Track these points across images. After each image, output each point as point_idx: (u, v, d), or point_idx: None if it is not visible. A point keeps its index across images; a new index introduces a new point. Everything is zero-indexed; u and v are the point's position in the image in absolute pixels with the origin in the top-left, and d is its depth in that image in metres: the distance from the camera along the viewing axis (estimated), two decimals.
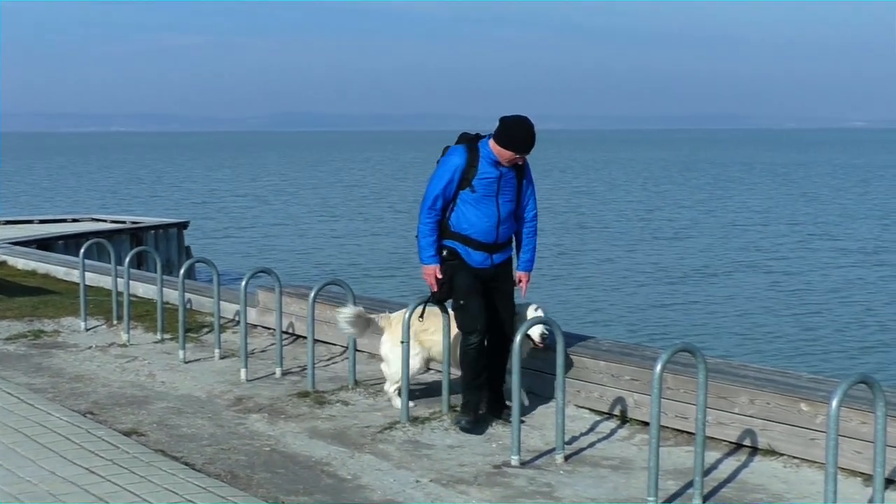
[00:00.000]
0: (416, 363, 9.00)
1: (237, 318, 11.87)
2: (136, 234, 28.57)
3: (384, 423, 8.73)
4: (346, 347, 10.42)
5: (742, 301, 26.62)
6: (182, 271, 11.74)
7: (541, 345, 8.54)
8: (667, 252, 39.01)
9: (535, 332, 8.49)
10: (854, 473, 7.03)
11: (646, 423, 6.74)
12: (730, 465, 7.51)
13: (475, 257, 8.39)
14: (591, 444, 8.11)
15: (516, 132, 8.21)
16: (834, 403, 5.86)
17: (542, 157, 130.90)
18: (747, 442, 7.80)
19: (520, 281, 8.71)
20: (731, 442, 7.86)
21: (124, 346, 12.11)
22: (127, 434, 8.35)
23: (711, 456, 7.56)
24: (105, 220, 31.53)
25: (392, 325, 9.19)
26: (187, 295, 11.93)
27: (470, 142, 8.34)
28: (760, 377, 8.11)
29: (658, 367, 6.60)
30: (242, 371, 10.41)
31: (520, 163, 8.29)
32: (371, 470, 7.57)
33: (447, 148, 8.51)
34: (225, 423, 8.88)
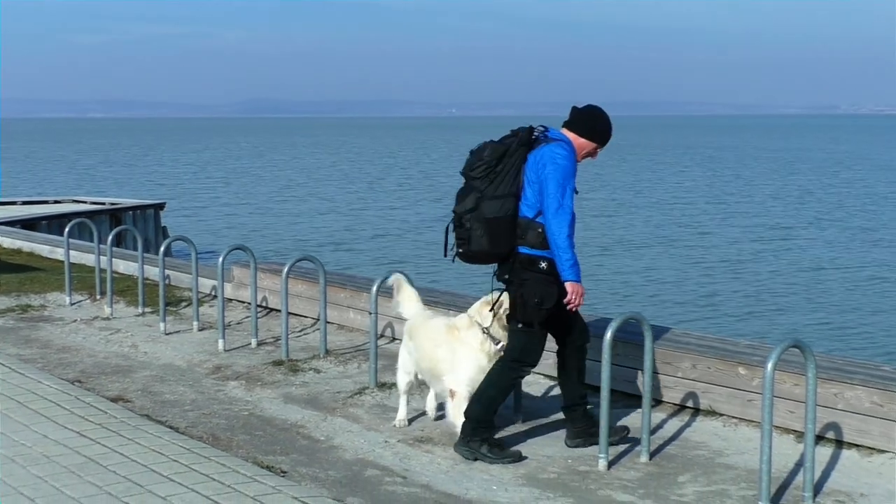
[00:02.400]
0: (402, 376, 7.88)
1: (214, 293, 11.93)
2: (115, 215, 28.48)
3: (354, 389, 8.85)
4: (317, 319, 10.51)
5: (680, 272, 26.89)
6: (163, 248, 11.93)
7: None
8: (612, 227, 39.26)
9: None
10: (787, 431, 7.21)
11: (597, 388, 6.88)
12: (674, 424, 7.68)
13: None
14: (547, 407, 8.24)
15: (603, 122, 7.14)
16: (769, 367, 6.02)
17: None
18: (690, 403, 7.97)
19: None
20: (675, 404, 8.03)
21: (108, 319, 12.15)
22: (114, 400, 8.42)
23: (657, 417, 7.72)
24: (85, 202, 31.41)
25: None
26: (166, 271, 11.98)
27: (530, 137, 6.95)
28: (702, 344, 8.28)
29: (608, 335, 6.75)
30: (220, 342, 10.48)
31: (594, 157, 7.23)
32: (343, 432, 7.69)
33: (520, 139, 6.92)
34: (205, 390, 8.97)
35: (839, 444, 7.05)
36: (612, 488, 6.44)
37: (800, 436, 6.86)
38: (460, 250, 7.02)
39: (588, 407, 7.31)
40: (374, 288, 9.02)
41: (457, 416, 7.16)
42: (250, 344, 10.60)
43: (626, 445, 7.18)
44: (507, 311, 7.08)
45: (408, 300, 7.93)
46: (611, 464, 6.81)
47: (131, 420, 7.70)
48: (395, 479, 6.64)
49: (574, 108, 7.19)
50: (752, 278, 26.87)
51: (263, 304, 12.07)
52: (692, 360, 7.93)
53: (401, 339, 8.15)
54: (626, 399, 8.15)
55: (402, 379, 7.84)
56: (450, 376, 7.26)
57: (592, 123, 7.08)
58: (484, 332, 7.17)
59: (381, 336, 10.25)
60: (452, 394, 7.26)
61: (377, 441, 7.45)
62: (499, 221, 6.80)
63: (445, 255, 7.21)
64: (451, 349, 7.26)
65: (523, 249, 6.86)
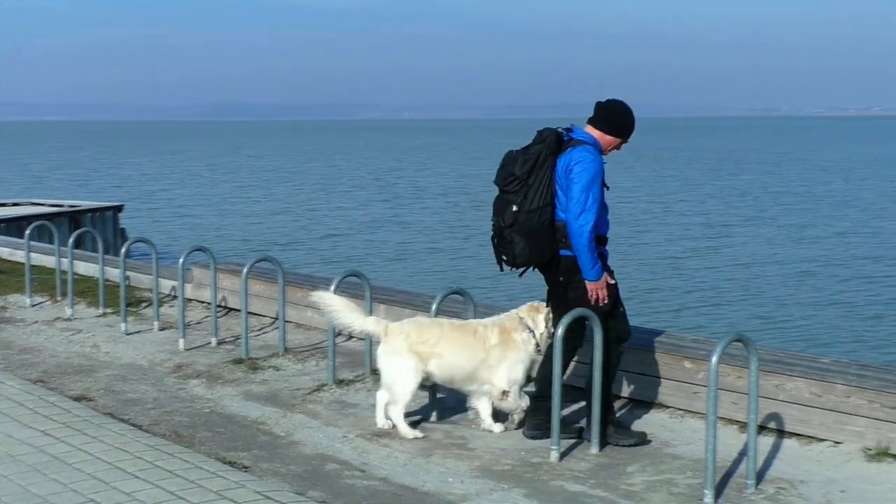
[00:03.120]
0: (409, 379, 7.41)
1: (174, 293, 11.90)
2: (74, 217, 28.20)
3: (313, 386, 8.87)
4: (276, 318, 10.51)
5: (621, 269, 26.95)
6: (123, 250, 11.91)
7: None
8: None
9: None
10: (731, 422, 7.33)
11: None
12: (624, 417, 7.76)
13: (606, 253, 7.18)
14: None
15: (628, 117, 7.16)
16: (713, 360, 6.12)
17: (454, 144, 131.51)
18: (638, 396, 8.07)
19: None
20: (624, 397, 8.12)
21: (69, 320, 12.07)
22: (77, 399, 8.39)
23: None
24: (44, 204, 31.09)
25: (388, 334, 7.54)
26: (126, 272, 11.93)
27: (562, 137, 7.00)
28: (649, 339, 8.37)
29: (560, 331, 6.83)
30: (181, 341, 10.46)
31: (618, 150, 7.28)
32: (302, 427, 7.72)
33: (548, 146, 6.92)
34: (167, 389, 8.95)
35: (780, 433, 7.18)
36: (563, 479, 6.52)
37: (743, 426, 6.97)
38: (504, 258, 7.13)
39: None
40: (332, 287, 9.04)
41: (515, 409, 7.42)
42: (210, 343, 10.58)
43: (578, 438, 7.25)
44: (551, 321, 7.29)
45: (352, 311, 7.73)
46: (562, 455, 6.88)
47: (94, 419, 7.68)
48: (354, 472, 6.68)
49: (598, 105, 7.18)
50: (693, 274, 27.11)
51: (223, 303, 12.04)
52: (640, 355, 8.02)
53: (359, 337, 8.06)
54: (578, 394, 8.21)
55: (406, 397, 7.49)
56: (499, 377, 7.37)
57: (617, 119, 7.12)
58: (532, 335, 7.40)
59: (339, 334, 10.25)
60: (505, 394, 7.38)
61: (336, 436, 7.49)
62: (538, 233, 6.93)
63: (502, 269, 7.30)
64: (501, 352, 7.37)
65: (566, 252, 6.97)
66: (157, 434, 7.44)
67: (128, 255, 12.16)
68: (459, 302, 8.68)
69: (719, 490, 6.21)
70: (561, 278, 7.08)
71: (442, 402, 8.00)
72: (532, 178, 6.88)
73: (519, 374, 7.37)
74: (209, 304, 11.22)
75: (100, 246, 12.72)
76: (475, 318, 8.10)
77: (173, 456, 6.71)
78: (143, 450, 6.84)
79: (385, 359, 7.45)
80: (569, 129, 7.05)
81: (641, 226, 39.41)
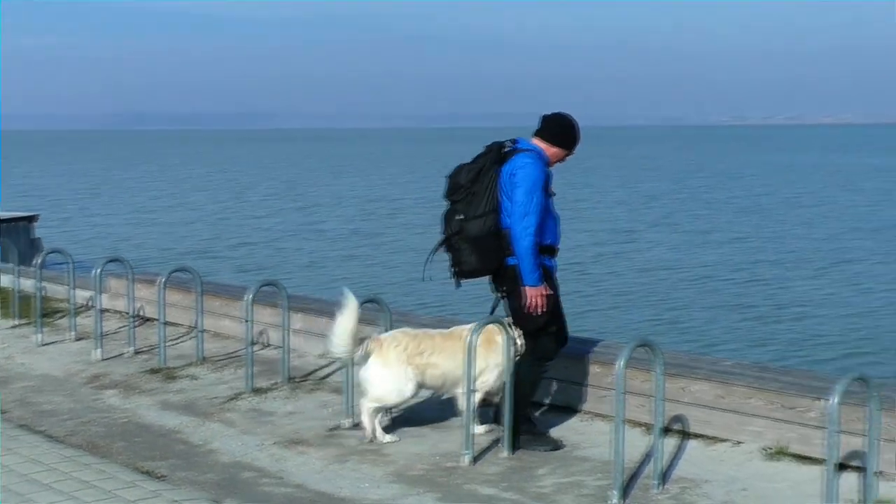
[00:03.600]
0: (407, 389, 7.40)
1: (90, 304, 11.72)
2: None
3: (229, 395, 8.82)
4: (193, 327, 10.42)
5: None
6: (39, 260, 11.75)
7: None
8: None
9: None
10: (638, 424, 7.40)
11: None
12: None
13: (554, 265, 7.18)
14: (415, 409, 8.34)
15: (572, 129, 7.20)
16: (620, 364, 6.22)
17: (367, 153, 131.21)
18: (548, 400, 8.15)
19: None
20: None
21: None
22: None
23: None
24: None
25: (382, 346, 7.45)
26: (42, 283, 11.73)
27: (505, 148, 7.04)
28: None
29: (469, 338, 6.89)
30: (97, 351, 10.32)
31: (562, 162, 7.28)
32: (219, 436, 7.67)
33: (492, 156, 6.99)
34: (82, 399, 8.84)
35: (685, 434, 7.30)
36: (476, 482, 6.58)
37: (650, 428, 7.08)
38: (455, 270, 7.09)
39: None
40: (249, 296, 9.01)
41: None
42: (127, 353, 10.46)
43: (490, 442, 7.32)
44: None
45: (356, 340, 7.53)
46: (475, 459, 6.93)
47: (9, 431, 7.55)
48: (271, 479, 6.66)
49: (543, 117, 7.24)
50: (599, 279, 27.44)
51: (140, 313, 11.89)
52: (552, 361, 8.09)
53: (276, 346, 8.02)
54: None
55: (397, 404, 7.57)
56: (479, 381, 7.25)
57: (561, 130, 7.16)
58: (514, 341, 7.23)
59: (256, 343, 10.22)
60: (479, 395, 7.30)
61: (253, 444, 7.45)
62: (484, 239, 6.92)
63: (457, 286, 7.23)
64: (482, 355, 7.21)
65: (512, 260, 6.94)
66: (72, 445, 7.34)
67: (43, 265, 11.97)
68: (374, 309, 8.68)
69: (626, 491, 6.30)
70: (504, 287, 7.07)
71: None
72: (476, 185, 6.92)
73: (492, 378, 7.27)
74: (126, 313, 11.09)
75: (16, 256, 12.50)
76: (391, 325, 8.12)
77: (89, 466, 6.62)
78: (58, 461, 6.74)
79: (378, 370, 7.32)
80: (514, 141, 7.11)
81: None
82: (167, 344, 10.28)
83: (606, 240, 36.78)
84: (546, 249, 7.03)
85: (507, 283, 7.04)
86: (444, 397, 7.65)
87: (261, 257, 33.43)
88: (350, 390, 7.87)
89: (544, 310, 6.97)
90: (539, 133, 7.18)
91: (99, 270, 10.63)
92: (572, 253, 32.62)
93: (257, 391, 8.81)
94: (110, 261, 10.85)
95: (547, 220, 6.99)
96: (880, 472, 6.23)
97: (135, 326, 10.85)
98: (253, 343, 9.28)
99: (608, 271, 29.00)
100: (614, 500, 6.14)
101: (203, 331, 10.32)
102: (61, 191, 68.64)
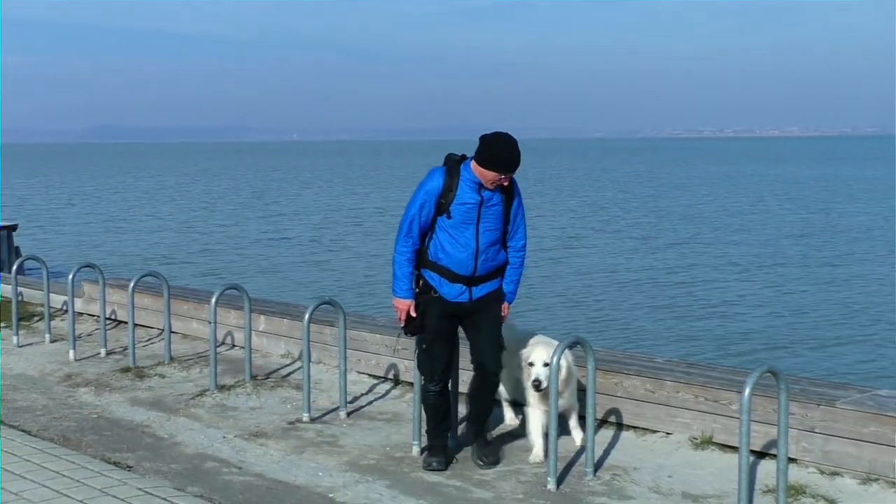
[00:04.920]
0: None
1: (65, 308, 11.75)
2: None
3: (196, 392, 8.91)
4: (163, 330, 10.50)
5: None
6: (15, 266, 11.81)
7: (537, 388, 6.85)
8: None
9: (538, 372, 6.82)
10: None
11: (412, 384, 7.17)
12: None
13: (451, 290, 6.62)
14: (370, 403, 8.48)
15: (499, 149, 6.46)
16: (554, 361, 6.39)
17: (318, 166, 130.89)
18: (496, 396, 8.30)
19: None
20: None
21: None
22: None
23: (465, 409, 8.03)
24: None
25: None
26: (19, 288, 11.78)
27: (453, 163, 6.59)
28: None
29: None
30: (71, 352, 10.38)
31: (505, 183, 6.52)
32: (185, 430, 7.77)
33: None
34: (56, 396, 8.89)
35: (619, 426, 7.49)
36: (423, 471, 6.72)
37: (584, 420, 7.25)
38: None
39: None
40: (213, 300, 9.11)
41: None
42: (100, 353, 10.52)
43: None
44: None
45: None
46: (423, 450, 7.07)
47: None
48: (232, 469, 6.78)
49: (480, 138, 6.63)
50: (540, 281, 27.55)
51: (112, 317, 11.96)
52: None
53: (238, 346, 8.03)
54: None
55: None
56: None
57: (488, 153, 6.46)
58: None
59: (222, 343, 10.33)
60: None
61: (216, 437, 7.56)
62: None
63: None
64: None
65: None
66: (45, 438, 7.41)
67: (21, 272, 12.01)
68: (331, 311, 8.82)
69: (562, 478, 6.48)
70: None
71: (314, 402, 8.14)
72: None
73: None
74: (99, 317, 11.15)
75: None
76: (346, 328, 8.25)
77: (60, 458, 6.71)
78: (31, 453, 6.82)
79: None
80: (463, 158, 6.66)
81: None
82: (138, 345, 10.35)
83: (551, 245, 37.03)
84: (439, 269, 6.60)
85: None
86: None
87: (227, 262, 33.44)
88: (309, 387, 8.02)
89: (403, 323, 6.71)
90: (474, 154, 6.58)
91: (72, 276, 10.69)
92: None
93: (222, 388, 8.91)
94: (83, 266, 10.90)
95: (444, 240, 6.53)
96: (796, 460, 6.49)
97: (107, 329, 10.91)
98: (220, 344, 9.39)
99: (549, 274, 29.24)
100: (551, 486, 6.32)
101: (172, 332, 10.41)
102: (38, 201, 68.09)
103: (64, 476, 6.28)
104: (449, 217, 6.50)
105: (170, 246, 39.28)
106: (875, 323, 21.01)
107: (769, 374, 5.75)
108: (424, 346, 6.75)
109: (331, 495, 6.25)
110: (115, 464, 6.74)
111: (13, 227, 30.66)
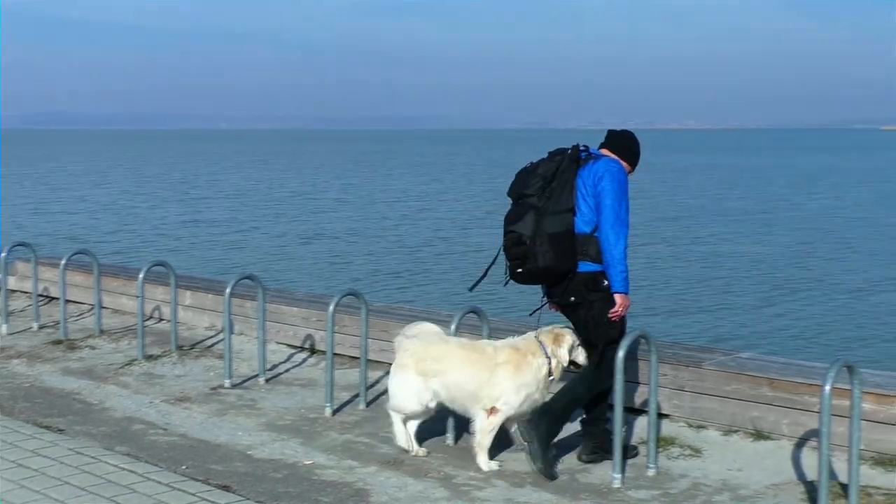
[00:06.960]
0: (410, 396, 6.30)
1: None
2: None
3: (124, 361, 8.96)
4: (93, 305, 10.48)
5: (400, 256, 27.73)
6: None
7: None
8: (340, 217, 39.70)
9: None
10: None
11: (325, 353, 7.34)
12: (386, 380, 8.18)
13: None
14: (287, 370, 8.63)
15: (638, 147, 6.33)
16: (452, 328, 6.61)
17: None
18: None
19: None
20: (387, 363, 8.52)
21: None
22: None
23: (374, 375, 8.19)
24: None
25: (399, 349, 6.50)
26: None
27: (578, 154, 6.13)
28: (411, 314, 8.86)
29: (331, 308, 7.22)
30: (3, 326, 10.32)
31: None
32: (114, 396, 7.83)
33: (569, 157, 6.09)
34: None
35: None
36: (335, 430, 6.90)
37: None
38: (519, 270, 6.02)
39: (606, 425, 6.26)
40: (141, 275, 9.16)
41: (483, 439, 6.13)
42: (32, 328, 10.46)
43: (350, 396, 7.64)
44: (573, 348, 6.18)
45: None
46: (335, 411, 7.26)
47: None
48: (158, 430, 6.88)
49: (612, 132, 6.36)
50: (450, 257, 27.64)
51: (45, 293, 11.86)
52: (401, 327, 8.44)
53: (165, 319, 7.91)
54: (352, 361, 8.55)
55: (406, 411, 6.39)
56: (496, 393, 6.06)
57: (631, 147, 6.24)
58: (547, 361, 6.12)
59: (150, 318, 10.35)
60: (493, 411, 6.08)
61: (143, 402, 7.65)
62: (562, 236, 5.94)
63: (506, 284, 6.25)
64: (508, 372, 6.08)
65: (584, 266, 5.98)
66: None
67: None
68: (252, 287, 8.91)
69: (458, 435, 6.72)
70: (573, 298, 6.06)
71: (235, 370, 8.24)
72: (555, 181, 5.99)
73: (518, 399, 6.06)
74: (31, 294, 11.06)
75: None
76: (264, 301, 8.37)
77: None
78: None
79: (391, 373, 6.45)
80: (586, 147, 6.22)
81: (399, 219, 39.56)
82: (69, 320, 10.32)
83: (448, 236, 37.13)
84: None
85: (579, 294, 6.05)
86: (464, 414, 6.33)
87: (153, 241, 33.07)
88: (230, 356, 8.13)
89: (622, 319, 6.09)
90: (611, 148, 6.21)
91: (5, 254, 10.61)
92: (429, 235, 32.98)
93: (150, 358, 8.97)
94: (16, 245, 10.81)
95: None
96: (668, 416, 6.82)
97: (40, 305, 10.85)
98: (148, 318, 9.42)
99: (453, 247, 29.46)
100: (449, 442, 6.55)
101: (102, 308, 10.40)
102: None
103: None
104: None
105: (100, 226, 38.66)
106: (744, 295, 21.50)
107: (643, 339, 6.05)
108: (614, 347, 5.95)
109: (249, 452, 6.40)
110: (47, 427, 6.80)
111: None
